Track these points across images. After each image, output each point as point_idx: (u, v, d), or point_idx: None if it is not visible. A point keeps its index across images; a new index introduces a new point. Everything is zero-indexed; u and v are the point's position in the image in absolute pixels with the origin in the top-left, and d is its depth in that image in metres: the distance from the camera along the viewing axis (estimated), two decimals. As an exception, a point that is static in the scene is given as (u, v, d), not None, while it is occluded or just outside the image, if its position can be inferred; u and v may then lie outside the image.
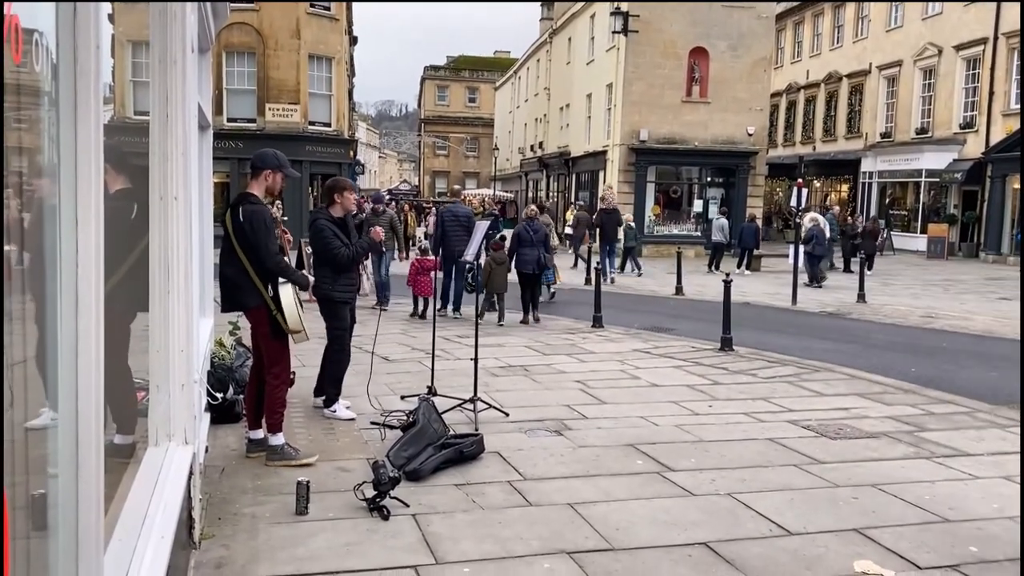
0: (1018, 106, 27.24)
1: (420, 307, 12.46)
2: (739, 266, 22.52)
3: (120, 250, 3.63)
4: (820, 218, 21.26)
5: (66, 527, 2.07)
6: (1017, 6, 26.66)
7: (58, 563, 2.07)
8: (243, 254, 5.22)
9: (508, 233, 13.13)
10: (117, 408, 3.63)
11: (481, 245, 7.56)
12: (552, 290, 14.88)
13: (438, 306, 11.14)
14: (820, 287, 18.73)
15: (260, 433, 5.56)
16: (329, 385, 6.63)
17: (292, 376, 6.79)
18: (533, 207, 13.25)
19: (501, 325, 11.85)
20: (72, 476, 2.07)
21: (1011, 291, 18.59)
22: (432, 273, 11.51)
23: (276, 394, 5.44)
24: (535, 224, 12.44)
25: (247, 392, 5.78)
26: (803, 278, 18.37)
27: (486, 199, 35.70)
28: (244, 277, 5.24)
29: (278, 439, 5.42)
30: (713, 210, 30.11)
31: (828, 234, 20.63)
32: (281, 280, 5.31)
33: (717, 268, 22.05)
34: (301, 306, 5.41)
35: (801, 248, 18.46)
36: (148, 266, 3.87)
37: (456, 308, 12.62)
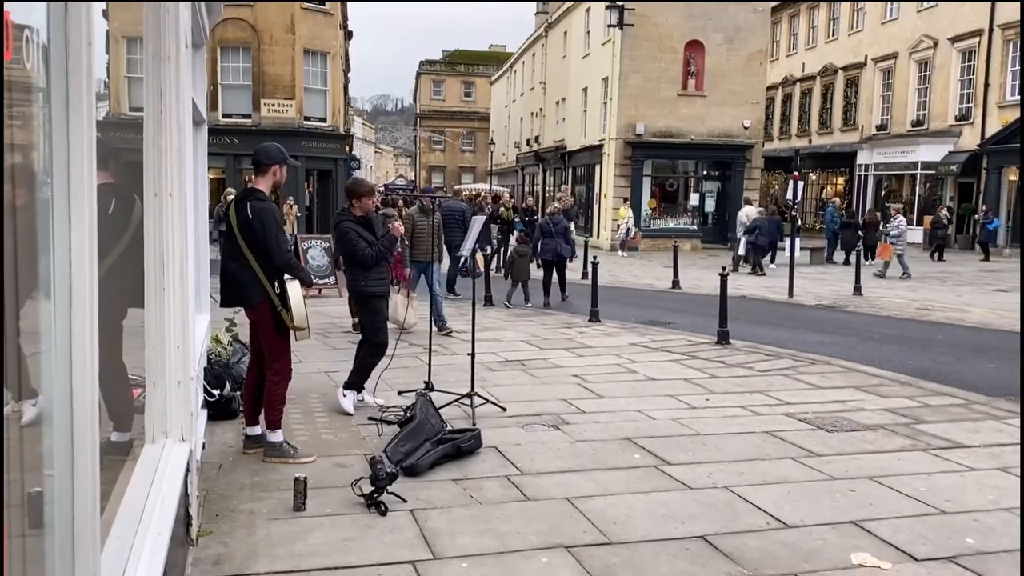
0: (1013, 98, 27.27)
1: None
2: (771, 260, 22.62)
3: (102, 246, 3.61)
4: (754, 211, 21.84)
5: (62, 524, 2.07)
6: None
7: (55, 561, 2.06)
8: (248, 250, 5.19)
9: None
10: (112, 406, 3.62)
11: (477, 240, 7.57)
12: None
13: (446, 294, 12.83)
14: (763, 275, 19.72)
15: (258, 429, 5.56)
16: (357, 372, 6.67)
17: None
18: (557, 204, 15.65)
19: (529, 306, 13.65)
20: (68, 473, 2.07)
21: (1007, 283, 18.63)
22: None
23: (276, 391, 5.42)
24: (556, 218, 14.54)
25: (245, 388, 5.76)
26: (746, 267, 20.57)
27: (482, 193, 35.65)
28: (248, 273, 5.21)
29: (277, 436, 5.42)
30: (710, 204, 30.20)
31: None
32: (287, 276, 5.29)
33: (747, 264, 21.24)
34: (306, 304, 5.39)
35: (744, 237, 20.63)
36: (136, 262, 3.85)
37: (451, 289, 13.97)
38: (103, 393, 3.70)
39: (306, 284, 5.48)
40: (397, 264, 12.12)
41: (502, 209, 21.31)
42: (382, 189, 54.63)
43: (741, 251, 20.91)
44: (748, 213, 21.42)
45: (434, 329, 9.05)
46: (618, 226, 27.45)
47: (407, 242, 10.24)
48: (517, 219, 20.93)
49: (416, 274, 10.50)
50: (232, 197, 5.95)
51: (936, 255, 24.88)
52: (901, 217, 20.92)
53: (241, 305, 5.42)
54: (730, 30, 29.12)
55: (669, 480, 5.17)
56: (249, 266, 5.20)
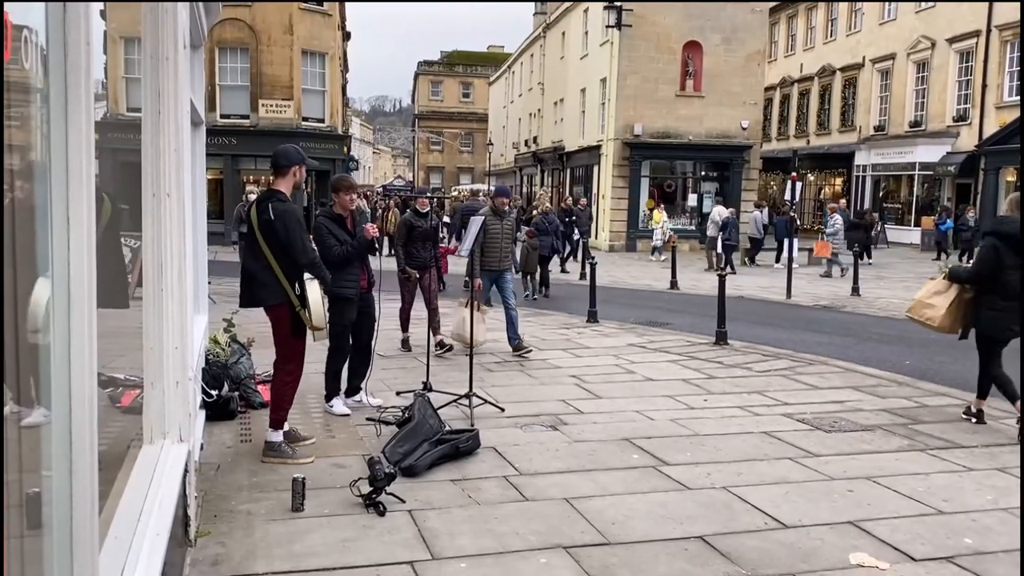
0: (1011, 99, 27.31)
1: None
2: (777, 259, 22.81)
3: None
4: (724, 211, 21.97)
5: (61, 525, 2.07)
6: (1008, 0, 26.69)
7: (53, 561, 2.06)
8: (269, 251, 5.22)
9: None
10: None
11: (476, 239, 7.58)
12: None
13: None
14: (734, 273, 20.10)
15: (287, 427, 5.63)
16: (328, 380, 6.65)
17: None
18: (548, 204, 17.38)
19: (534, 299, 14.83)
20: (66, 474, 2.07)
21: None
22: (447, 256, 14.42)
23: (285, 391, 5.47)
24: (550, 217, 16.26)
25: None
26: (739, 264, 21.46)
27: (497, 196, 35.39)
28: (268, 274, 5.24)
29: (277, 436, 5.46)
30: (708, 204, 30.18)
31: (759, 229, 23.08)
32: (308, 277, 5.31)
33: (752, 263, 22.46)
34: (325, 305, 5.41)
35: (720, 235, 21.09)
36: (105, 261, 3.85)
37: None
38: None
39: (326, 284, 5.49)
40: (444, 257, 12.19)
41: (536, 211, 20.89)
42: (379, 190, 54.64)
43: (719, 249, 21.26)
44: (720, 212, 21.72)
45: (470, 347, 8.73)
46: (653, 231, 26.34)
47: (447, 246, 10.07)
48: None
49: (488, 284, 9.47)
50: (254, 197, 6.01)
51: (963, 258, 23.65)
52: (838, 216, 21.09)
53: (259, 306, 5.43)
54: (728, 31, 29.13)
55: (667, 480, 5.17)
56: (269, 267, 5.23)
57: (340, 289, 6.39)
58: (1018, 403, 6.36)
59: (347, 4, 38.68)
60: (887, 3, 33.82)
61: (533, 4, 49.76)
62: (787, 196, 17.92)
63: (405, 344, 9.34)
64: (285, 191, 5.40)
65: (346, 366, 6.75)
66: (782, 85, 41.74)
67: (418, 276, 8.81)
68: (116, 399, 3.97)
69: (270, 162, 5.57)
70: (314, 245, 6.26)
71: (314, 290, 5.29)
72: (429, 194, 9.94)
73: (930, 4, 31.17)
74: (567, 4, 36.64)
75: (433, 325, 8.72)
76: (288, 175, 5.42)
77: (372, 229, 6.46)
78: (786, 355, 9.50)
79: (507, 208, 9.57)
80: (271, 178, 5.64)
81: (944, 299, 6.60)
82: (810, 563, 4.02)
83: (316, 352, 6.92)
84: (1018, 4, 25.80)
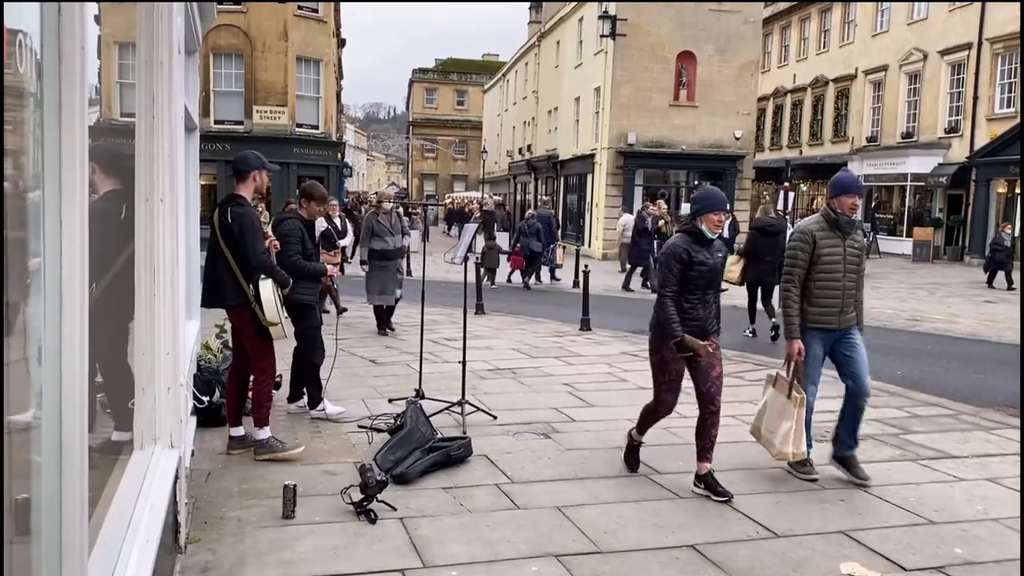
0: (1002, 111, 27.51)
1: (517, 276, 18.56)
2: None
3: (113, 250, 3.66)
4: (631, 218, 20.82)
5: (49, 531, 2.06)
6: (1001, 10, 26.89)
7: (42, 567, 2.05)
8: (229, 253, 5.35)
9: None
10: (116, 406, 3.67)
11: (471, 245, 7.57)
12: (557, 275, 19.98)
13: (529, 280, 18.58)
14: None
15: (241, 430, 5.68)
16: (311, 386, 6.65)
17: (279, 379, 6.78)
18: (530, 211, 19.74)
19: (493, 287, 17.69)
20: (56, 479, 2.06)
21: (995, 294, 18.74)
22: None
23: (263, 389, 5.58)
24: (531, 221, 18.76)
25: (227, 391, 5.88)
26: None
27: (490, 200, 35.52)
28: (228, 275, 5.37)
29: (264, 432, 5.52)
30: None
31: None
32: (263, 276, 5.42)
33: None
34: (281, 303, 5.48)
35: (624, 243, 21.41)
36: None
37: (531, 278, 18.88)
38: (108, 394, 3.74)
39: (281, 284, 5.59)
40: (514, 256, 12.31)
41: (661, 223, 18.97)
42: (373, 196, 54.60)
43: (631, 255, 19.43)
44: (626, 223, 20.96)
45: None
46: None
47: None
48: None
49: (819, 349, 5.71)
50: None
51: (992, 279, 20.23)
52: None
53: (219, 306, 5.59)
54: (722, 41, 29.26)
55: (659, 489, 5.17)
56: (229, 268, 5.36)
57: (300, 296, 6.36)
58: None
59: (342, 11, 38.76)
60: (882, 2, 34.01)
61: (528, 13, 49.88)
62: (779, 206, 17.97)
63: (632, 455, 5.56)
64: (246, 195, 5.54)
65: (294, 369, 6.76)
66: (775, 95, 41.93)
67: (703, 352, 4.97)
68: (107, 404, 3.96)
69: (231, 168, 5.72)
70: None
71: (266, 287, 5.40)
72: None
73: (922, 16, 31.39)
74: (562, 13, 36.76)
75: (706, 439, 5.12)
76: (249, 180, 5.56)
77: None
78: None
79: (851, 216, 5.42)
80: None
81: (738, 267, 11.69)
82: (801, 572, 4.02)
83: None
84: (1008, 16, 25.99)
